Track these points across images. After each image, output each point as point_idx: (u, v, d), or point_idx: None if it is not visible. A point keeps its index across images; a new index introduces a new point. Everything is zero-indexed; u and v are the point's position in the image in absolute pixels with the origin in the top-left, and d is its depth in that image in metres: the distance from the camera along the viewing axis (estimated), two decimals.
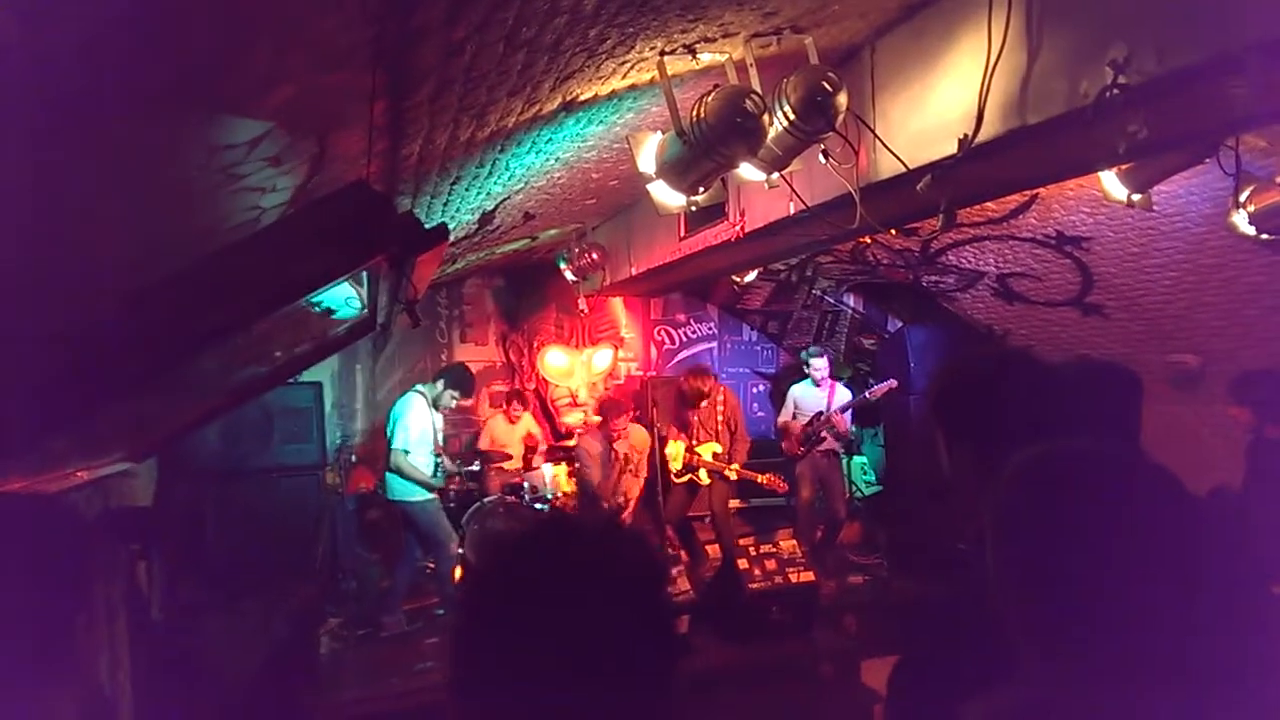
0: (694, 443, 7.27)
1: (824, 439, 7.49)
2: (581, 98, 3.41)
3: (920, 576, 7.19)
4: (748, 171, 3.45)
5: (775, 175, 3.47)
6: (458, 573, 6.49)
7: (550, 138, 3.91)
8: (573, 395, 8.98)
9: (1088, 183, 4.62)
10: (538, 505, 7.31)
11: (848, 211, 3.59)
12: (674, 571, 6.81)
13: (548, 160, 4.39)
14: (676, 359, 9.56)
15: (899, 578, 7.41)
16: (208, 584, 5.88)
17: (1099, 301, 6.18)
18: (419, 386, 6.71)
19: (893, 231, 5.73)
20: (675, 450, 7.28)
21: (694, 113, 3.09)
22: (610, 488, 7.30)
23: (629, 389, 9.20)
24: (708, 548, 7.72)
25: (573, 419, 8.83)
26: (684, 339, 9.69)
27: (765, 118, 3.04)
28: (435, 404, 6.63)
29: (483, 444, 7.90)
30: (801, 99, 3.07)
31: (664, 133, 3.44)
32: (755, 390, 9.95)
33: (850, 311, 9.42)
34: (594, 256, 7.05)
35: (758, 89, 3.08)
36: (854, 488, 8.56)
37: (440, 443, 6.83)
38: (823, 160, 3.45)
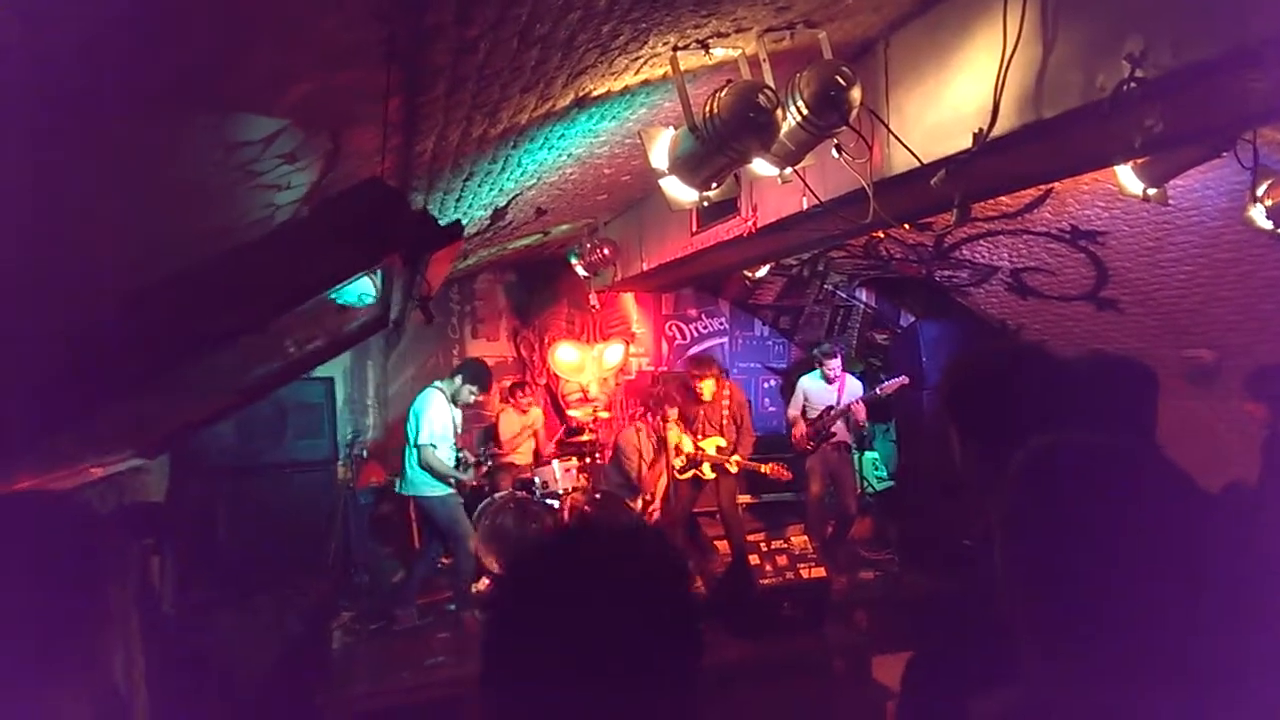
0: (699, 437, 7.26)
1: (834, 434, 7.47)
2: (594, 93, 3.41)
3: (932, 572, 7.18)
4: (760, 167, 3.44)
5: (788, 170, 3.46)
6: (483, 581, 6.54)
7: (563, 134, 3.90)
8: (583, 390, 8.98)
9: (1103, 177, 4.59)
10: (548, 501, 7.33)
11: (861, 206, 3.58)
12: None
13: (560, 156, 4.39)
14: (688, 354, 9.55)
15: (910, 573, 7.40)
16: (220, 579, 5.92)
17: (1114, 296, 6.14)
18: (438, 383, 6.76)
19: (906, 226, 5.72)
20: (680, 445, 7.27)
21: (707, 108, 3.08)
22: (653, 479, 7.30)
23: (640, 384, 9.20)
24: (716, 543, 7.72)
25: (581, 414, 8.83)
26: (695, 334, 9.68)
27: (778, 113, 3.03)
28: (454, 399, 6.69)
29: (502, 438, 7.93)
30: (815, 94, 3.06)
31: (676, 128, 3.43)
32: (766, 385, 9.92)
33: (862, 306, 9.39)
34: (605, 252, 7.04)
35: (771, 84, 3.07)
36: (865, 483, 8.54)
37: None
38: (836, 155, 3.44)
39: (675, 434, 7.24)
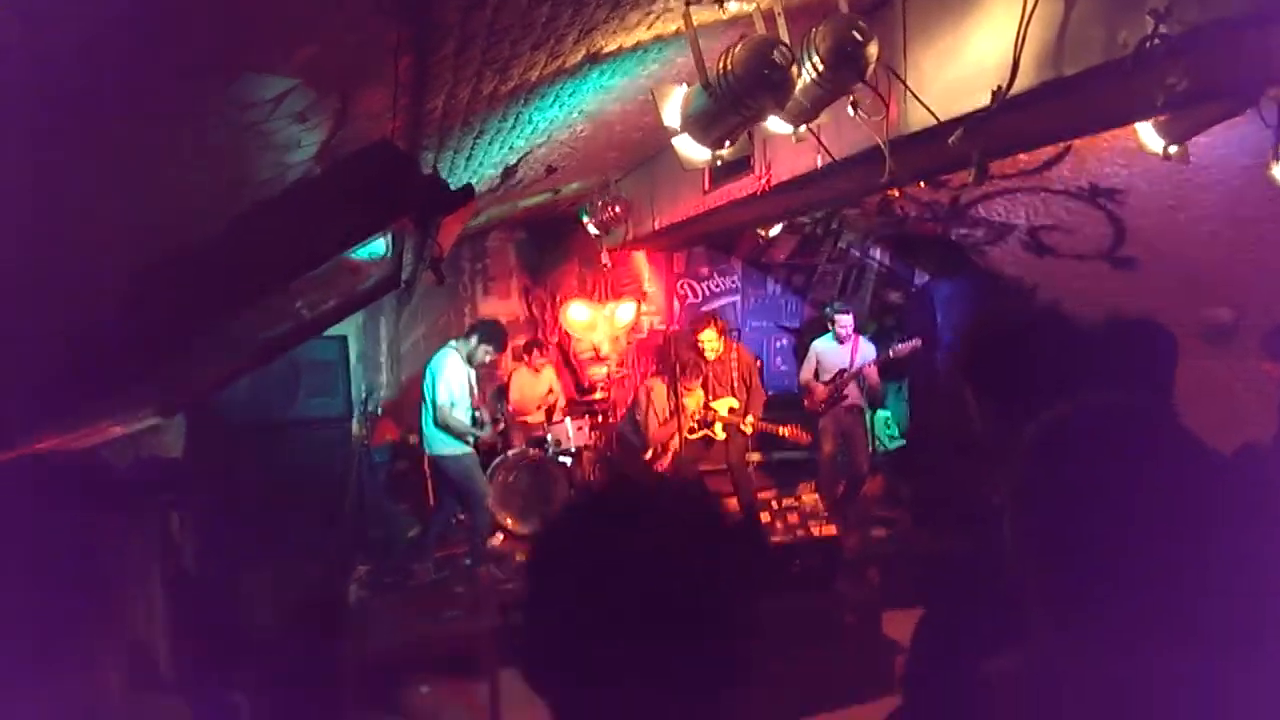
0: (710, 398, 7.27)
1: (847, 396, 7.46)
2: (605, 50, 3.35)
3: (944, 531, 7.21)
4: (774, 124, 3.39)
5: (803, 128, 3.40)
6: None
7: (573, 90, 3.86)
8: (595, 349, 8.99)
9: (1123, 134, 4.51)
10: (561, 459, 7.36)
11: (876, 165, 3.52)
12: None
13: (571, 113, 4.34)
14: (700, 312, 9.52)
15: (922, 532, 7.42)
16: (237, 536, 6.00)
17: (1131, 255, 6.08)
18: (453, 342, 6.80)
19: (922, 184, 5.65)
20: (692, 403, 7.28)
21: (720, 64, 3.03)
22: (665, 435, 7.33)
23: (652, 342, 9.19)
24: (725, 500, 7.77)
25: (596, 372, 8.84)
26: (707, 292, 9.63)
27: (793, 69, 2.97)
28: (469, 359, 6.73)
29: (513, 397, 7.96)
30: (830, 49, 3.00)
31: (689, 85, 3.37)
32: (779, 344, 9.88)
33: (876, 265, 9.33)
34: (617, 210, 7.00)
35: (786, 40, 3.01)
36: (877, 442, 8.55)
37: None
38: (851, 112, 3.38)
39: (696, 399, 7.26)
